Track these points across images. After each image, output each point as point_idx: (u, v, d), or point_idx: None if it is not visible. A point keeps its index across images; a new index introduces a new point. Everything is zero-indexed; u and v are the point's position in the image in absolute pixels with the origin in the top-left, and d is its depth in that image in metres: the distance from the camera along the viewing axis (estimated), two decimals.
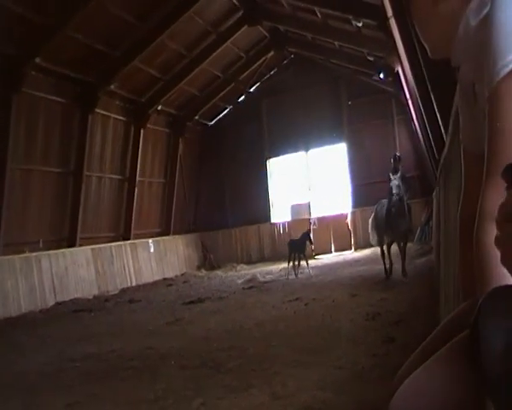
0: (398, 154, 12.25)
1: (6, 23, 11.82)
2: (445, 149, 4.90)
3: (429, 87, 6.84)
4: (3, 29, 11.91)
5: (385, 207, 11.21)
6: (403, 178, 11.21)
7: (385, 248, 11.55)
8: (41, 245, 14.32)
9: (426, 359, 1.33)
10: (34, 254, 13.65)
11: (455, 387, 1.17)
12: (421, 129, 11.84)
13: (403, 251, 11.12)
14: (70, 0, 12.42)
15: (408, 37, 7.73)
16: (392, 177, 11.07)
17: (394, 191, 10.75)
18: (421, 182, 17.19)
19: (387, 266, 11.32)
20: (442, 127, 6.26)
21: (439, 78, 6.24)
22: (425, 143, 11.71)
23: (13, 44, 12.57)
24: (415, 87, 8.92)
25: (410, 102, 12.61)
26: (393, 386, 1.42)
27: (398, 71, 13.12)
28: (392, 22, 9.01)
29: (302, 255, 14.41)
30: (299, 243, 14.55)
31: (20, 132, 13.53)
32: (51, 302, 13.47)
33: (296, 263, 14.43)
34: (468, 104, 1.40)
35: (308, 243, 14.64)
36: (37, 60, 13.18)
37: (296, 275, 14.16)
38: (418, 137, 14.40)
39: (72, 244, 15.37)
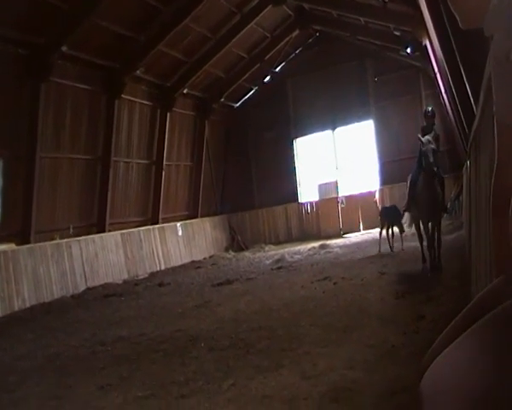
0: (430, 108, 10.03)
1: (32, 12, 11.89)
2: (476, 122, 4.76)
3: (458, 59, 6.67)
4: (30, 18, 12.00)
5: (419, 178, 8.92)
6: (436, 140, 8.84)
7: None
8: (71, 231, 14.51)
9: (457, 336, 1.29)
10: (65, 240, 13.82)
11: (487, 364, 1.12)
12: (450, 103, 11.58)
13: (438, 231, 8.97)
14: None
15: (436, 8, 7.53)
16: (423, 139, 8.60)
17: (432, 160, 8.37)
18: (451, 157, 16.88)
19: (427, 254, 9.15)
20: (472, 99, 6.10)
21: (468, 49, 6.07)
22: (454, 117, 11.44)
23: (39, 33, 12.65)
24: (443, 60, 8.71)
25: (438, 75, 12.35)
26: (424, 364, 1.39)
27: (425, 45, 12.85)
28: None
29: (399, 226, 12.11)
30: (394, 211, 12.20)
31: (49, 121, 13.65)
32: (82, 287, 13.66)
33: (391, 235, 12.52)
34: (501, 74, 1.34)
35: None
36: (64, 48, 13.23)
37: (392, 249, 12.40)
38: (447, 111, 14.10)
39: (101, 230, 15.53)
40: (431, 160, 8.38)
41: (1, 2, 10.97)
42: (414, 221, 9.91)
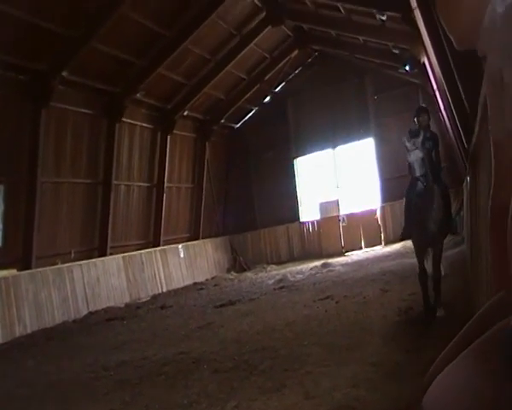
0: (423, 105, 8.08)
1: (32, 38, 12.00)
2: (474, 138, 4.78)
3: (456, 76, 6.73)
4: (30, 44, 12.11)
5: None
6: (433, 143, 7.26)
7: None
8: (72, 256, 14.51)
9: (458, 354, 1.28)
10: (66, 265, 13.81)
11: (486, 383, 1.11)
12: (449, 119, 11.62)
13: (435, 261, 6.91)
14: (95, 13, 12.59)
15: (433, 27, 7.62)
16: (408, 146, 6.81)
17: (418, 173, 6.55)
18: (451, 173, 16.86)
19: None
20: (470, 116, 6.13)
21: (465, 66, 6.12)
22: (453, 133, 11.48)
23: (40, 59, 12.77)
24: (441, 77, 8.77)
25: (436, 92, 12.41)
26: (426, 382, 1.38)
27: (424, 62, 12.95)
28: (417, 13, 8.90)
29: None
30: None
31: (49, 146, 13.72)
32: (84, 312, 13.62)
33: None
34: (495, 93, 1.36)
35: None
36: (64, 73, 13.35)
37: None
38: (446, 127, 14.15)
39: (102, 254, 15.53)
40: (417, 174, 6.57)
41: (1, 28, 11.09)
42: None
